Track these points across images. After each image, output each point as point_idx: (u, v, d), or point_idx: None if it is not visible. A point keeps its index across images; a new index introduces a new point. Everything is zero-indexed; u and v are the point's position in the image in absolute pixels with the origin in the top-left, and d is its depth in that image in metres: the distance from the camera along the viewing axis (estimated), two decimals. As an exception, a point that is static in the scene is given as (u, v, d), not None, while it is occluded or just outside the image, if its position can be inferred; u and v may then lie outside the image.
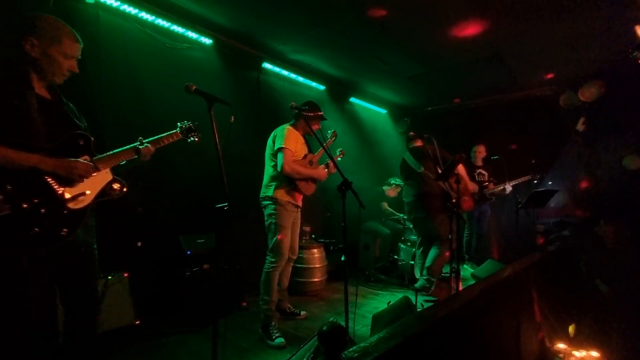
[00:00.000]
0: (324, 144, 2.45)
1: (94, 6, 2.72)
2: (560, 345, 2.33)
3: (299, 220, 3.01)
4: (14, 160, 1.33)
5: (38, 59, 1.42)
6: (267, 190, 2.82)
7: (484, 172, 4.77)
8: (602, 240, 3.77)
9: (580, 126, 5.01)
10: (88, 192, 1.55)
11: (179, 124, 1.97)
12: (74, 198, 1.49)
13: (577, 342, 2.41)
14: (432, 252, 3.59)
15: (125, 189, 1.70)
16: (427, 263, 3.59)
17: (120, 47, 2.88)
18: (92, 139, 1.60)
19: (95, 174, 1.57)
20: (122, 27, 2.91)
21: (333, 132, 3.21)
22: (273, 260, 2.75)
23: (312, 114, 2.84)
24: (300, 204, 2.92)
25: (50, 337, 1.52)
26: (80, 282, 1.63)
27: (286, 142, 2.72)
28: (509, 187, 4.50)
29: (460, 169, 3.47)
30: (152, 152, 1.79)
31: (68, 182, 1.47)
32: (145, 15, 2.98)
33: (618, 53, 3.94)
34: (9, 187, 1.32)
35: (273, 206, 2.78)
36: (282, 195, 2.78)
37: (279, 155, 2.71)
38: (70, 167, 1.45)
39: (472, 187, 4.23)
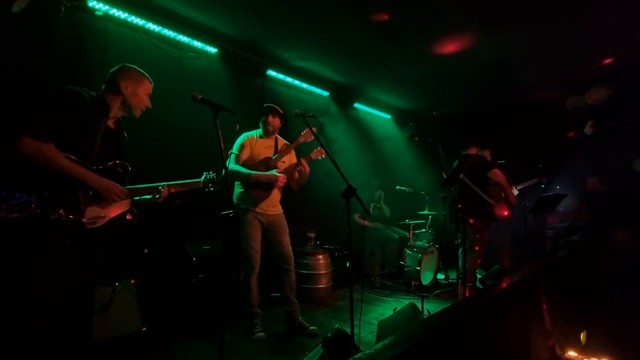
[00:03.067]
0: (292, 143, 2.53)
1: (102, 18, 2.79)
2: (572, 353, 2.28)
3: (280, 226, 2.91)
4: (66, 168, 1.53)
5: (128, 96, 1.77)
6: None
7: None
8: (614, 244, 3.70)
9: (588, 129, 4.95)
10: (103, 215, 1.69)
11: (205, 173, 2.09)
12: (93, 218, 1.64)
13: (589, 349, 2.36)
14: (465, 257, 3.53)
15: (136, 221, 1.82)
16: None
17: (128, 57, 2.89)
18: (130, 169, 1.80)
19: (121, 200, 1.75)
20: (130, 37, 2.97)
21: (306, 130, 2.78)
22: (246, 267, 2.82)
23: (261, 111, 2.91)
24: (269, 211, 2.85)
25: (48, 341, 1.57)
26: (81, 286, 1.69)
27: (235, 147, 2.81)
28: (515, 191, 4.45)
29: (497, 174, 3.40)
30: (166, 195, 1.89)
31: (101, 200, 1.66)
32: (152, 26, 3.04)
33: (626, 55, 3.90)
34: (47, 194, 1.51)
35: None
36: (240, 202, 2.83)
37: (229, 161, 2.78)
38: (110, 188, 1.66)
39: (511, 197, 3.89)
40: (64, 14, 2.54)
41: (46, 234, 1.49)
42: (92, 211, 1.65)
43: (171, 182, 1.91)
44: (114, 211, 1.74)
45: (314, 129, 2.57)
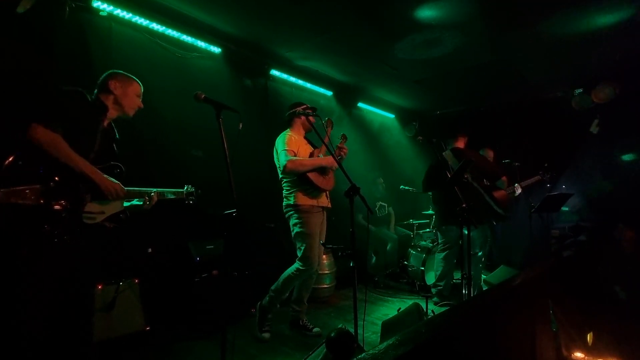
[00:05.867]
0: (330, 147, 2.42)
1: (106, 18, 2.80)
2: (578, 354, 2.26)
3: (325, 224, 2.94)
4: (74, 160, 1.55)
5: (119, 96, 1.85)
6: (288, 199, 2.79)
7: None
8: (620, 244, 3.65)
9: (594, 128, 4.89)
10: (103, 212, 1.72)
11: (186, 186, 2.19)
12: (90, 213, 1.66)
13: (596, 350, 2.33)
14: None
15: (126, 219, 1.85)
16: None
17: (132, 57, 2.95)
18: (124, 171, 1.83)
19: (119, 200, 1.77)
20: (134, 37, 2.98)
21: (342, 136, 3.01)
22: (302, 268, 2.72)
23: (299, 109, 2.82)
24: (326, 204, 2.87)
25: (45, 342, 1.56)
26: (79, 284, 1.69)
27: (285, 145, 2.73)
28: (518, 189, 4.40)
29: (505, 181, 3.31)
30: (155, 202, 1.95)
31: (99, 198, 1.66)
32: (155, 26, 3.05)
33: (632, 53, 3.85)
34: (52, 184, 1.52)
35: (296, 214, 2.74)
36: (303, 200, 2.73)
37: (280, 158, 2.72)
38: (112, 186, 1.68)
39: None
40: (69, 14, 2.55)
41: (46, 225, 1.48)
42: (91, 206, 1.67)
43: (160, 189, 1.98)
44: (111, 209, 1.76)
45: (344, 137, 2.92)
